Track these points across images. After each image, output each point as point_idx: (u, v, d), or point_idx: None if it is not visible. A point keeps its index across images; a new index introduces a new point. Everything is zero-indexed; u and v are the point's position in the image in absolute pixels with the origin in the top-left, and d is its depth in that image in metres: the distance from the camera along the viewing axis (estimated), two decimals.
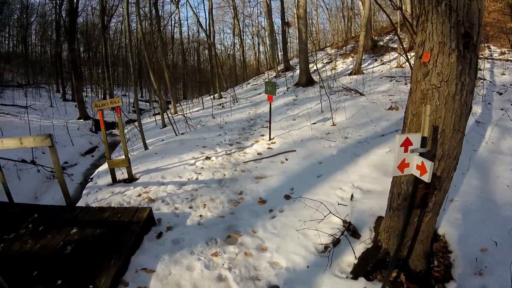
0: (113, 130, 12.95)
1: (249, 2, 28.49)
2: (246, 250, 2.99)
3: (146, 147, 6.67)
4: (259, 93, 13.98)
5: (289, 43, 23.40)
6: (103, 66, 18.66)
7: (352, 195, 3.60)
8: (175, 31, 25.34)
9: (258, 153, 5.73)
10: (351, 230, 3.00)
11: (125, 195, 4.32)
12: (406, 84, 8.21)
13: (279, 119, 8.02)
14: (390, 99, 7.08)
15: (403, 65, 10.48)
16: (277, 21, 30.83)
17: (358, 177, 3.96)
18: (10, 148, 3.92)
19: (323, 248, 2.88)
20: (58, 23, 18.80)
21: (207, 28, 17.20)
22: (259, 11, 28.47)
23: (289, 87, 12.57)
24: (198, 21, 16.02)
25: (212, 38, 17.46)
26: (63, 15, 17.27)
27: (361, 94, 8.08)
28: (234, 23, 25.39)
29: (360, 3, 15.69)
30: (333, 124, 6.40)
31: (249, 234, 3.25)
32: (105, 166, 5.99)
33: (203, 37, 28.05)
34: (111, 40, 23.46)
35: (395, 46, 13.76)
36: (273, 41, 20.08)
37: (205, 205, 3.94)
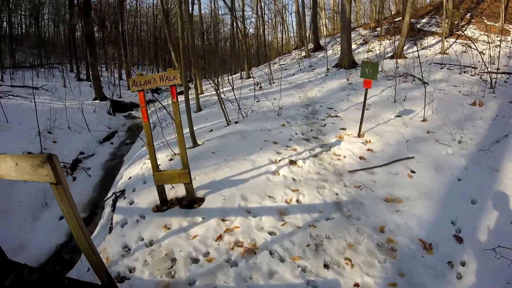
0: (132, 112, 11.54)
1: None
2: None
3: (195, 142, 4.84)
4: (293, 74, 12.51)
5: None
6: (120, 44, 16.92)
7: None
8: (194, 8, 22.86)
9: (361, 158, 4.14)
10: None
11: (194, 236, 2.55)
12: (461, 73, 7.68)
13: (345, 106, 6.53)
14: (459, 91, 6.29)
15: (447, 51, 9.94)
16: None
17: None
18: None
19: None
20: (71, 0, 17.06)
21: (230, 2, 15.05)
22: None
23: (328, 69, 11.18)
24: None
25: (241, 13, 15.35)
26: None
27: (425, 83, 6.53)
28: None
29: None
30: (424, 120, 5.15)
31: None
32: (136, 170, 4.28)
33: (221, 14, 25.89)
34: (126, 17, 21.41)
35: (434, 30, 13.00)
36: (302, 18, 17.59)
37: (349, 260, 2.25)
